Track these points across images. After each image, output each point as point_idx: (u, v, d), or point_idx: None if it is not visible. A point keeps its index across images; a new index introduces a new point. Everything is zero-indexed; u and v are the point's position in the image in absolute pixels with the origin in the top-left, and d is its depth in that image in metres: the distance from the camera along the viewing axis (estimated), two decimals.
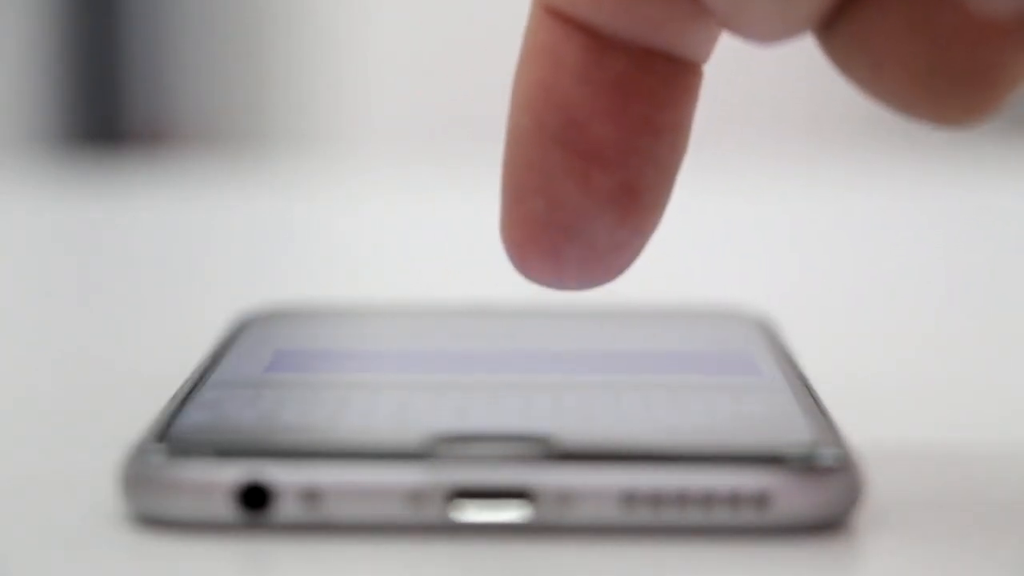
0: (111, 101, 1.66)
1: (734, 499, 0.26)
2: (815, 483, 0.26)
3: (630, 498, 0.26)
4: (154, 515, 0.26)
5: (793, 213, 0.69)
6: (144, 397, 0.31)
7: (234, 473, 0.26)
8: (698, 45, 0.26)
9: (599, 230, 0.27)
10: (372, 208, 0.71)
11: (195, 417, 0.28)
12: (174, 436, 0.27)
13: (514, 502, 0.26)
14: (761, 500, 0.26)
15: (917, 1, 0.24)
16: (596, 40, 0.26)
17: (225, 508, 0.26)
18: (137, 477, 0.26)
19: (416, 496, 0.26)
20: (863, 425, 0.29)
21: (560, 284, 0.27)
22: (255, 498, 0.26)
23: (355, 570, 0.25)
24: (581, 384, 0.30)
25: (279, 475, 0.26)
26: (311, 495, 0.26)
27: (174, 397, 0.29)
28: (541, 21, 0.26)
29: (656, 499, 0.26)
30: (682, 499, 0.26)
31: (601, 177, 0.26)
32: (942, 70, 0.24)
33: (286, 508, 0.26)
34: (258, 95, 1.73)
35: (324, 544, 0.26)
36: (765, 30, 0.25)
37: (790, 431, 0.27)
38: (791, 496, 0.26)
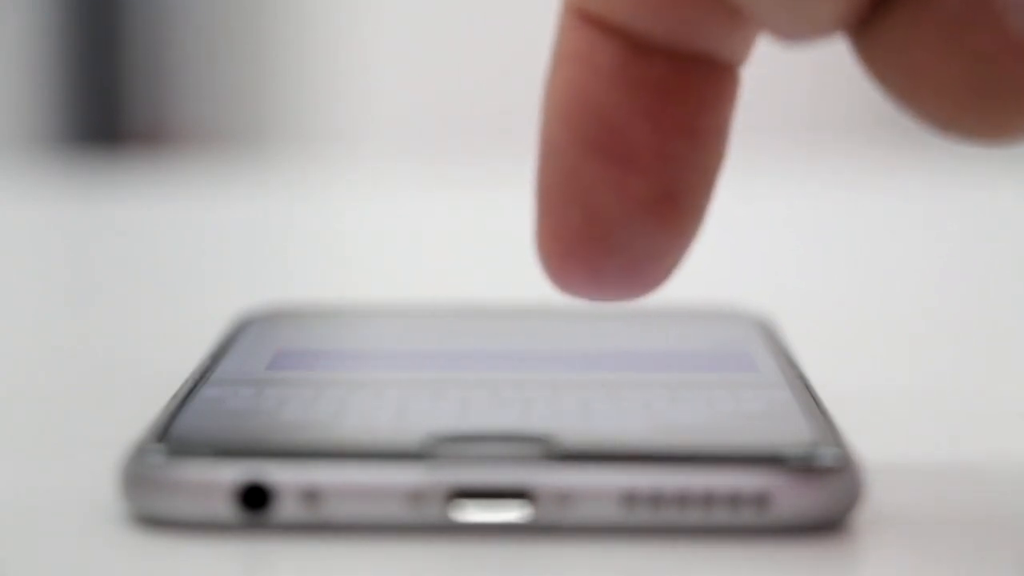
0: (111, 101, 1.66)
1: (734, 499, 0.26)
2: (815, 483, 0.26)
3: (630, 498, 0.26)
4: (154, 515, 0.26)
5: (793, 213, 0.69)
6: (144, 397, 0.31)
7: (234, 473, 0.26)
8: (735, 47, 0.25)
9: (638, 240, 0.25)
10: (372, 208, 0.71)
11: (195, 417, 0.28)
12: (174, 436, 0.27)
13: (514, 502, 0.26)
14: (761, 500, 0.26)
15: (953, 17, 0.22)
16: (632, 44, 0.25)
17: (225, 508, 0.26)
18: (137, 477, 0.26)
19: (416, 496, 0.26)
20: (863, 425, 0.29)
21: (599, 297, 0.26)
22: (255, 498, 0.26)
23: (355, 570, 0.25)
24: (581, 384, 0.30)
25: (279, 475, 0.26)
26: (311, 495, 0.26)
27: (174, 397, 0.29)
28: (573, 26, 0.25)
29: (656, 499, 0.26)
30: (682, 499, 0.26)
31: (639, 185, 0.25)
32: (980, 89, 0.23)
33: (286, 508, 0.26)
34: (258, 95, 1.73)
35: (324, 544, 0.26)
36: (791, 28, 0.23)
37: (790, 431, 0.27)
38: (791, 496, 0.26)
